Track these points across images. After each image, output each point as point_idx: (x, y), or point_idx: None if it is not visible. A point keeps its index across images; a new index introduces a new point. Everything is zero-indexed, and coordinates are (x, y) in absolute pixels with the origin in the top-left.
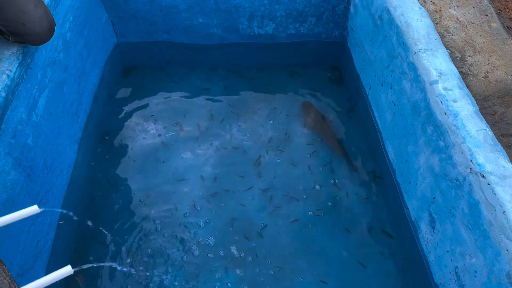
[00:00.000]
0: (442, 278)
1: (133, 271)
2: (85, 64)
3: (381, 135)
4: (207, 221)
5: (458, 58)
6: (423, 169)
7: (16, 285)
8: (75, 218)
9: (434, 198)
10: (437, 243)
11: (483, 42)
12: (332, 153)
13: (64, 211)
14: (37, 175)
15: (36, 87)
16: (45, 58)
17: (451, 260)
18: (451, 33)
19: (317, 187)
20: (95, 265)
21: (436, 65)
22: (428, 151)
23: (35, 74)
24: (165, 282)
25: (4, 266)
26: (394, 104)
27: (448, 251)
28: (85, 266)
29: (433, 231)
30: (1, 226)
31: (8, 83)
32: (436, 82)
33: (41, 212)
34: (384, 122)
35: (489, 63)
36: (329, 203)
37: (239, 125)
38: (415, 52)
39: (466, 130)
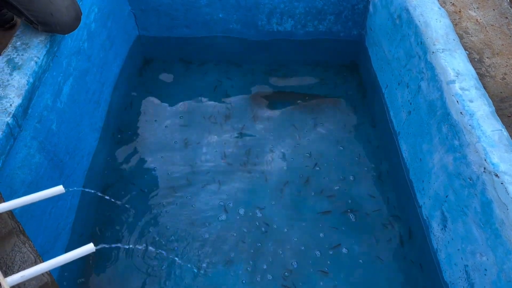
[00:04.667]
0: (451, 276)
1: (161, 251)
2: (108, 55)
3: (396, 134)
4: (226, 200)
5: (476, 60)
6: (436, 168)
7: (41, 260)
8: (94, 200)
9: (446, 196)
10: (448, 241)
11: (502, 45)
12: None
13: (88, 190)
14: (60, 160)
15: (61, 74)
16: (71, 47)
17: (462, 258)
18: (470, 34)
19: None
20: (114, 246)
21: (454, 65)
22: (443, 150)
23: (60, 62)
24: (182, 262)
25: (30, 242)
26: (410, 103)
27: (459, 250)
28: (106, 246)
29: (445, 229)
30: (28, 204)
31: (36, 69)
32: (453, 82)
33: (62, 196)
34: (399, 121)
35: (507, 65)
36: (343, 201)
37: (255, 120)
38: (433, 52)
39: (481, 130)
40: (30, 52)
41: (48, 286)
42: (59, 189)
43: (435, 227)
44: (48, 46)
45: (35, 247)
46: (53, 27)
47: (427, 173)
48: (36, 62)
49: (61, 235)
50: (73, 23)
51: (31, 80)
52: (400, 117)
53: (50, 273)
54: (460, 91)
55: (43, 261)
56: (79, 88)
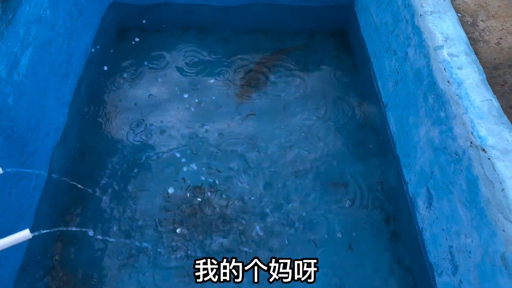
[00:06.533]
0: (436, 257)
1: (134, 237)
2: (76, 24)
3: (384, 105)
4: (207, 179)
5: (469, 23)
6: (423, 142)
7: None
8: (63, 180)
9: (432, 173)
10: (433, 220)
11: (498, 6)
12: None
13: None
14: (19, 137)
15: (18, 44)
16: (29, 14)
17: (446, 239)
18: None
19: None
20: (84, 230)
21: (443, 28)
22: (429, 123)
23: (17, 31)
24: (147, 251)
25: None
26: (397, 72)
27: (443, 230)
28: (76, 229)
29: (430, 208)
30: None
31: None
32: (441, 47)
33: (25, 174)
34: (387, 92)
35: (503, 28)
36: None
37: (240, 96)
38: (420, 15)
39: (469, 100)
40: None
41: None
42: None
43: (421, 205)
44: (0, 13)
45: None
46: None
47: (413, 147)
48: None
49: (24, 216)
50: None
51: None
52: (387, 88)
53: None
54: (448, 58)
55: None
56: (41, 60)
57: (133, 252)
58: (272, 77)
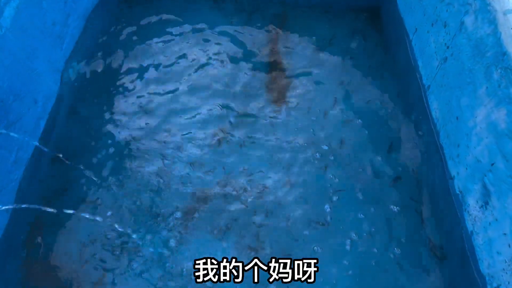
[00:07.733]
0: (492, 267)
1: (120, 228)
2: None
3: (425, 88)
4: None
5: None
6: (480, 127)
7: None
8: (50, 155)
9: (492, 165)
10: (490, 222)
11: None
12: None
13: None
14: None
15: None
16: None
17: (509, 245)
18: None
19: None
20: (70, 212)
21: None
22: (492, 103)
23: None
24: (136, 239)
25: None
26: (447, 47)
27: (505, 234)
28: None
29: (486, 207)
30: None
31: None
32: None
33: (3, 144)
34: (430, 72)
35: None
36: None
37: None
38: None
39: None
40: None
41: None
42: None
43: (472, 204)
44: None
45: None
46: None
47: (466, 135)
48: None
49: (1, 195)
50: None
51: None
52: (431, 67)
53: None
54: None
55: None
56: (31, 14)
57: (123, 241)
58: (293, 58)
